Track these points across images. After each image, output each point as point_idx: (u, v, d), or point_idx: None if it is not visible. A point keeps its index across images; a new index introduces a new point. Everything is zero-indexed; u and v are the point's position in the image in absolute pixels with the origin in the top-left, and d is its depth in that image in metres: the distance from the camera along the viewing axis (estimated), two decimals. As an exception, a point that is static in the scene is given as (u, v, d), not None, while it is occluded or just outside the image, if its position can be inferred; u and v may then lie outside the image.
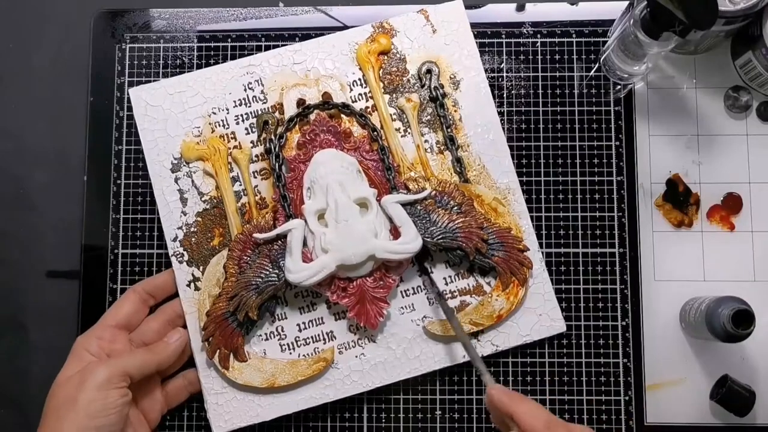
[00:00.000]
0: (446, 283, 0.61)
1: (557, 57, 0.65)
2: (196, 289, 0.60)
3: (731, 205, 0.63)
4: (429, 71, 0.63)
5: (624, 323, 0.62)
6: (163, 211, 0.61)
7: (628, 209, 0.63)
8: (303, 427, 0.62)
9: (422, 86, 0.63)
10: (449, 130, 0.62)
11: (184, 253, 0.61)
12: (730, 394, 0.59)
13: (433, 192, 0.60)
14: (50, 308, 0.64)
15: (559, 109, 0.64)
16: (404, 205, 0.59)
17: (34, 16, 0.68)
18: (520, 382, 0.62)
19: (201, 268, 0.60)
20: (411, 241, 0.58)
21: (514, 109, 0.64)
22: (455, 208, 0.60)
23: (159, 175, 0.62)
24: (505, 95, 0.64)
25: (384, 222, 0.59)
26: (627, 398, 0.61)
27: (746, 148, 0.64)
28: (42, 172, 0.66)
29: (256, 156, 0.62)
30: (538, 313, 0.61)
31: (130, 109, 0.65)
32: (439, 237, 0.59)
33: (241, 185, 0.62)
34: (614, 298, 0.62)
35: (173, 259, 0.61)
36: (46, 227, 0.65)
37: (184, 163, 0.62)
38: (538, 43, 0.65)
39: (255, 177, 0.62)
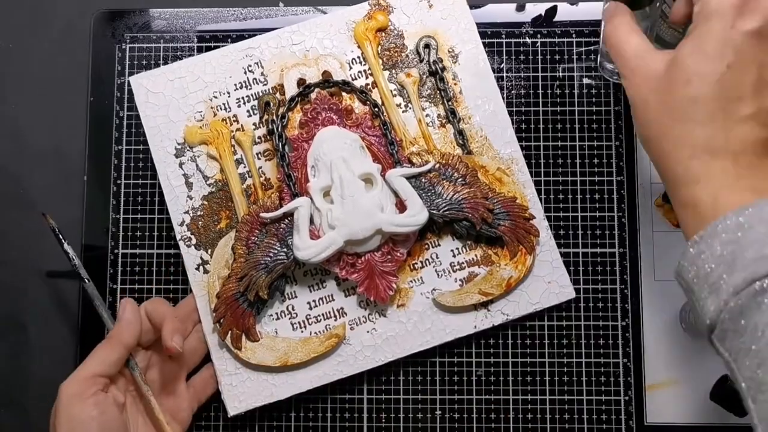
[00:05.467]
0: (453, 255, 0.61)
1: (557, 57, 0.65)
2: (205, 272, 0.61)
3: (731, 205, 0.63)
4: (427, 46, 0.63)
5: (624, 323, 0.62)
6: (169, 197, 0.61)
7: (628, 209, 0.63)
8: (303, 427, 0.62)
9: (421, 61, 0.63)
10: (450, 103, 0.62)
11: (192, 236, 0.61)
12: (730, 394, 0.59)
13: (437, 164, 0.60)
14: (50, 308, 0.64)
15: (559, 109, 0.64)
16: (408, 178, 0.60)
17: (34, 16, 0.68)
18: (520, 382, 0.62)
19: (209, 251, 0.61)
20: (417, 214, 0.58)
21: (514, 109, 0.64)
22: (459, 179, 0.60)
23: (163, 161, 0.62)
24: (505, 95, 0.64)
25: (389, 196, 0.59)
26: (627, 398, 0.61)
27: (746, 148, 0.64)
28: (42, 172, 0.66)
29: (259, 138, 0.62)
30: (546, 281, 0.61)
31: (130, 108, 0.65)
32: (445, 209, 0.59)
33: (245, 167, 0.62)
34: (614, 298, 0.62)
35: (181, 244, 0.61)
36: (46, 227, 0.65)
37: (188, 148, 0.62)
38: (538, 43, 0.65)
39: (259, 158, 0.62)
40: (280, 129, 0.61)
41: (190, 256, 0.61)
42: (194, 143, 0.62)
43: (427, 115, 0.62)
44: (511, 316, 0.60)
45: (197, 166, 0.62)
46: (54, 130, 0.66)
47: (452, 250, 0.61)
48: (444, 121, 0.62)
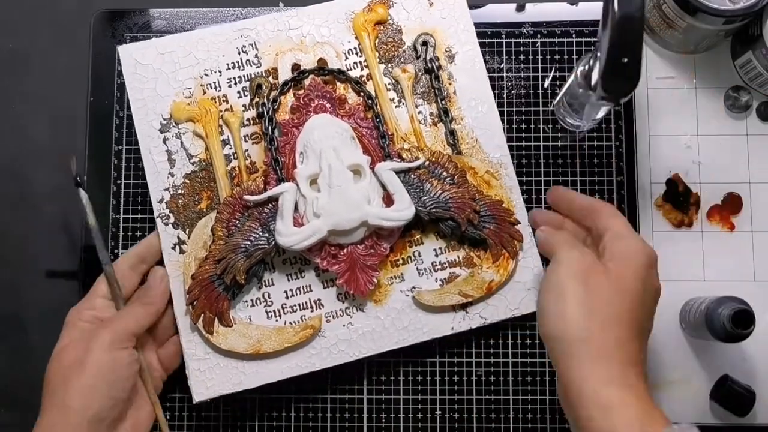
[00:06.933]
0: (436, 255, 0.61)
1: (557, 57, 0.65)
2: (181, 252, 0.60)
3: (731, 205, 0.63)
4: (425, 43, 0.63)
5: (624, 323, 0.62)
6: (150, 172, 0.61)
7: (628, 209, 0.63)
8: (303, 427, 0.62)
9: (417, 58, 0.63)
10: (443, 102, 0.62)
11: (170, 215, 0.60)
12: (730, 394, 0.59)
13: (427, 162, 0.60)
14: (50, 308, 0.64)
15: (559, 109, 0.64)
16: (398, 173, 0.59)
17: (34, 16, 0.68)
18: (520, 382, 0.62)
19: (187, 231, 0.60)
20: (404, 209, 0.58)
21: (514, 109, 0.64)
22: (448, 179, 0.60)
23: (147, 135, 0.61)
24: (505, 95, 0.64)
25: (377, 189, 0.59)
26: (627, 398, 0.61)
27: (746, 148, 0.64)
28: (42, 172, 0.66)
29: (248, 120, 0.61)
30: (527, 287, 0.60)
31: (130, 108, 0.65)
32: (432, 206, 0.59)
33: (231, 148, 0.61)
34: (614, 298, 0.62)
35: (158, 221, 0.60)
36: (46, 227, 0.65)
37: (174, 124, 0.61)
38: (538, 43, 0.65)
39: (246, 141, 0.61)
40: (270, 112, 0.61)
41: (167, 235, 0.60)
42: (180, 120, 0.61)
43: (419, 112, 0.62)
44: (489, 320, 0.60)
45: (182, 143, 0.61)
46: (54, 130, 0.66)
47: (435, 250, 0.61)
48: (436, 119, 0.62)
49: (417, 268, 0.61)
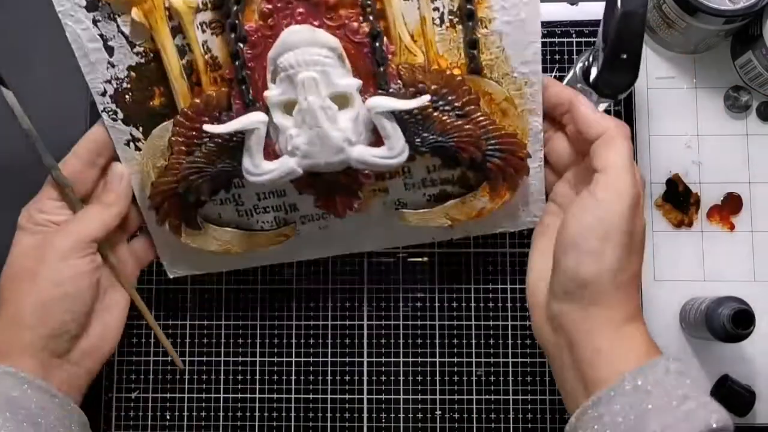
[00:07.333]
0: (428, 171, 0.53)
1: (557, 57, 0.65)
2: (137, 149, 0.51)
3: (731, 205, 0.63)
4: None
5: (624, 323, 0.62)
6: (83, 62, 0.49)
7: (628, 209, 0.63)
8: (303, 427, 0.62)
9: None
10: (469, 1, 0.48)
11: (118, 110, 0.50)
12: (730, 394, 0.59)
13: (433, 87, 0.48)
14: (50, 308, 0.64)
15: (559, 109, 0.64)
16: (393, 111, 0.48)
17: (34, 15, 0.68)
18: (520, 382, 0.62)
19: (140, 128, 0.50)
20: (395, 156, 0.48)
21: (514, 109, 0.64)
22: (456, 110, 0.49)
23: (70, 14, 0.48)
24: (505, 95, 0.64)
25: (365, 123, 0.48)
26: (627, 398, 0.61)
27: (746, 148, 0.64)
28: (42, 171, 0.66)
29: (204, 3, 0.47)
30: (521, 208, 0.54)
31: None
32: (430, 144, 0.49)
33: (185, 38, 0.47)
34: (614, 298, 0.62)
35: (104, 116, 0.50)
36: (46, 227, 0.65)
37: (104, 3, 0.47)
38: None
39: (203, 31, 0.47)
40: (233, 16, 0.46)
41: (117, 131, 0.51)
42: (113, 1, 0.47)
43: (435, 9, 0.48)
44: (472, 233, 0.56)
45: (118, 27, 0.48)
46: (54, 129, 0.66)
47: (428, 167, 0.52)
48: (455, 20, 0.48)
49: (404, 183, 0.53)
